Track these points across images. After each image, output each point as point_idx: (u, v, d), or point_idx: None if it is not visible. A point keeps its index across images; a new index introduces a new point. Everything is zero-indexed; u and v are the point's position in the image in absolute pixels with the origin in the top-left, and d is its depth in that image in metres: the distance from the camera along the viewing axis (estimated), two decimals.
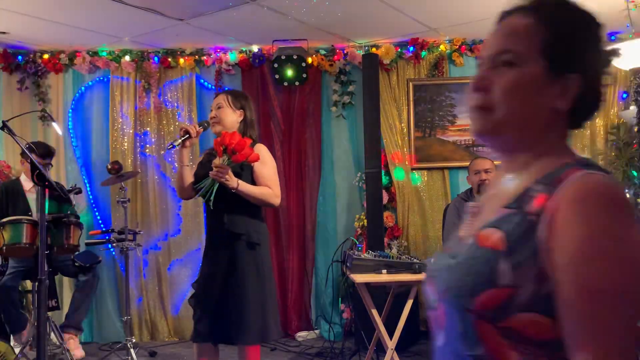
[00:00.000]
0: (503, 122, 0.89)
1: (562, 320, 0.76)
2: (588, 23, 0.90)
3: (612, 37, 4.89)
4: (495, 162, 4.19)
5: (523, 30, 0.89)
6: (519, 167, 0.92)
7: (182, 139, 2.77)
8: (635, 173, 4.66)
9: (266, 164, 2.80)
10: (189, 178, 2.85)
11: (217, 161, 2.66)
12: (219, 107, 2.86)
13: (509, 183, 0.93)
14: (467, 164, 4.61)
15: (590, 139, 4.99)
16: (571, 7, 0.90)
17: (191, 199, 2.97)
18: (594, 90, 0.90)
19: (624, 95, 4.97)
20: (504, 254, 0.81)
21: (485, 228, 0.87)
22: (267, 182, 2.79)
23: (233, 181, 2.64)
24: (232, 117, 2.85)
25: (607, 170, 0.85)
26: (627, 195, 0.81)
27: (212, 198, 2.63)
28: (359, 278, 3.12)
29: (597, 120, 4.99)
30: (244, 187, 2.70)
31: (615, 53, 0.93)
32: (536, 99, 0.88)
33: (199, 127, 2.85)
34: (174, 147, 2.75)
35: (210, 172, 2.64)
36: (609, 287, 0.74)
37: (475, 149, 5.02)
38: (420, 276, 3.14)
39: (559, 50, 0.87)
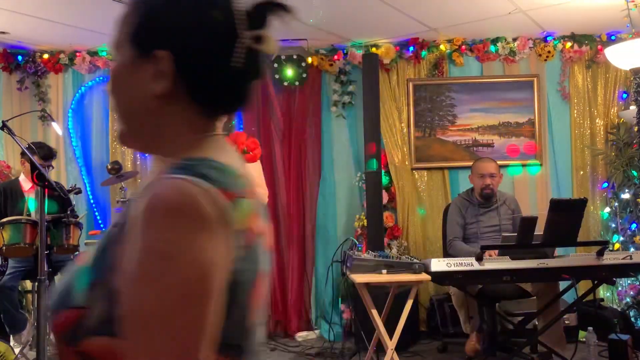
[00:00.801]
0: (121, 120, 0.82)
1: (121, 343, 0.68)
2: None
3: (612, 37, 4.89)
4: (498, 164, 4.20)
5: (121, 19, 0.82)
6: (154, 170, 0.83)
7: None
8: (635, 173, 4.66)
9: (255, 164, 2.87)
10: None
11: None
12: None
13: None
14: (467, 164, 4.62)
15: (590, 139, 4.99)
16: None
17: None
18: (213, 67, 0.78)
19: (624, 95, 4.97)
20: (87, 270, 0.74)
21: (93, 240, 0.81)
22: (259, 181, 2.88)
23: None
24: None
25: (204, 174, 0.72)
26: (212, 203, 0.69)
27: None
28: (359, 278, 3.12)
29: (597, 120, 5.00)
30: None
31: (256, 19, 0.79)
32: (133, 87, 0.79)
33: None
34: None
35: None
36: (158, 310, 0.66)
37: (475, 148, 5.02)
38: (421, 276, 3.15)
39: (144, 30, 0.79)
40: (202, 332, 0.68)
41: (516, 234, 3.29)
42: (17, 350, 3.72)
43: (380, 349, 3.38)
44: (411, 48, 5.04)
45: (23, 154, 4.11)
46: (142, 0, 0.81)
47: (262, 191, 2.87)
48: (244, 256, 0.74)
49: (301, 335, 4.91)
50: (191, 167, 0.73)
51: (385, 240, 4.81)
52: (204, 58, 0.78)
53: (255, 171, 2.90)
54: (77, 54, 5.06)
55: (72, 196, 4.16)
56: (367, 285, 3.17)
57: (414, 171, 5.08)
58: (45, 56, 5.07)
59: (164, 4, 0.79)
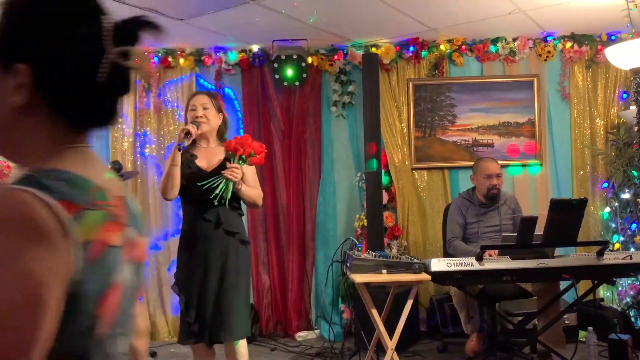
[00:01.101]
0: None
1: None
2: (45, 6, 0.80)
3: (612, 37, 4.89)
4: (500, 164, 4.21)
5: None
6: None
7: (186, 139, 2.80)
8: (635, 173, 4.66)
9: (251, 167, 2.91)
10: (179, 178, 2.85)
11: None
12: (205, 108, 2.90)
13: None
14: (467, 164, 4.62)
15: (590, 139, 4.99)
16: None
17: (174, 199, 2.99)
18: (74, 81, 0.79)
19: (624, 95, 4.97)
20: None
21: None
22: (254, 183, 2.94)
23: (239, 182, 2.79)
24: (216, 119, 2.95)
25: (46, 185, 0.73)
26: (49, 215, 0.70)
27: (228, 196, 2.76)
28: (359, 278, 3.12)
29: (597, 120, 5.00)
30: (244, 187, 2.84)
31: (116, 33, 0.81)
32: None
33: (196, 128, 2.88)
34: (184, 147, 2.78)
35: (223, 172, 2.76)
36: None
37: (475, 148, 5.02)
38: (421, 276, 3.15)
39: (6, 42, 0.80)
40: (29, 345, 0.67)
41: (516, 233, 3.29)
42: None
43: (380, 349, 3.38)
44: (411, 48, 5.04)
45: None
46: (8, 13, 0.81)
47: (257, 192, 2.93)
48: (88, 268, 0.74)
49: (301, 335, 4.91)
50: (35, 179, 0.74)
51: (385, 240, 4.81)
52: (65, 72, 0.79)
53: (251, 172, 2.93)
54: None
55: None
56: (367, 285, 3.17)
57: (414, 171, 5.08)
58: None
59: (27, 18, 0.80)
